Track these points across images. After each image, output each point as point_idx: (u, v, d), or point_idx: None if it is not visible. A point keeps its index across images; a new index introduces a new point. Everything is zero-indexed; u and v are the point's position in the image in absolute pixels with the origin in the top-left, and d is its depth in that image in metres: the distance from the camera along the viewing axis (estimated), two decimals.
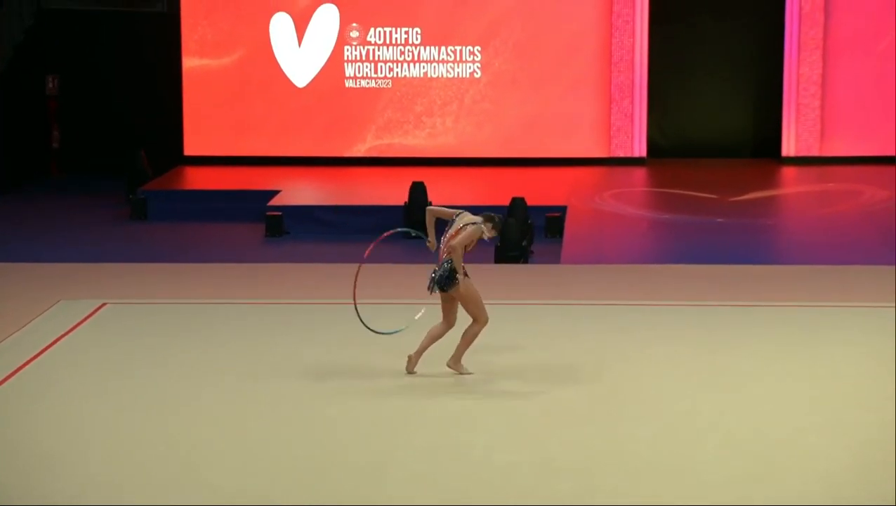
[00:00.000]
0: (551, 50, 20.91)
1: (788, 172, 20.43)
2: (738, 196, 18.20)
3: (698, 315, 11.57)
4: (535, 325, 11.15)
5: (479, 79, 21.04)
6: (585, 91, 20.91)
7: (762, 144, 21.38)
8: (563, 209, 17.08)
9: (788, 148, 20.95)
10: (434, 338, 9.55)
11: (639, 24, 20.78)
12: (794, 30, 20.73)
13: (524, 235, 15.38)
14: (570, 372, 9.67)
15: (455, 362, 9.59)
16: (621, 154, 20.91)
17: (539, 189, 18.19)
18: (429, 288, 9.37)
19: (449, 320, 9.54)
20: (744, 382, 9.39)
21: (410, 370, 9.59)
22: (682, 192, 18.77)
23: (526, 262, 15.01)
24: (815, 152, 20.95)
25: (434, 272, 9.37)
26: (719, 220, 16.86)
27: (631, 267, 14.12)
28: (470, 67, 21.00)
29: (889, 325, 10.79)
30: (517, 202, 16.15)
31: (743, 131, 21.58)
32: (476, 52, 20.96)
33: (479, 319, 9.49)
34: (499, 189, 18.24)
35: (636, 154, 20.91)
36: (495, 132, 20.97)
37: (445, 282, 9.30)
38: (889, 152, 20.81)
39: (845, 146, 20.99)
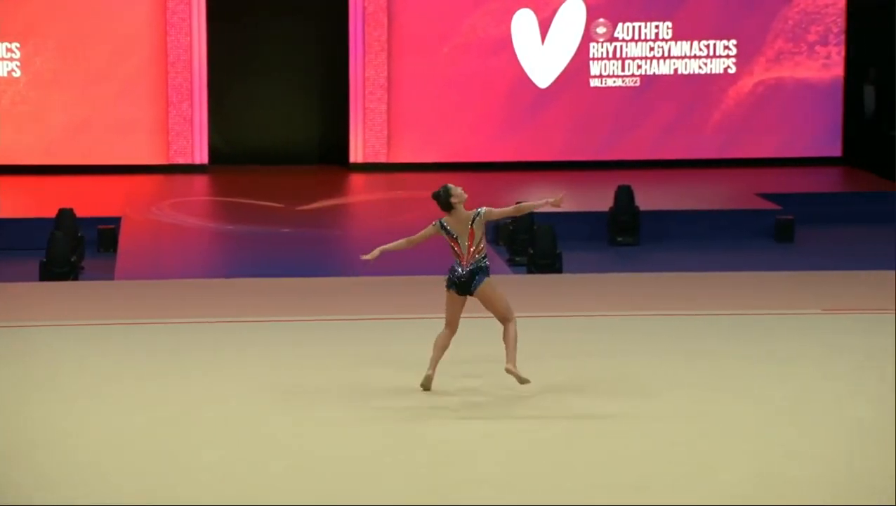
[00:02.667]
0: (100, 48, 19.88)
1: (357, 180, 20.32)
2: (305, 205, 18.00)
3: (263, 330, 10.96)
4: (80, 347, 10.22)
5: (18, 78, 19.73)
6: (140, 93, 20.03)
7: (329, 151, 21.15)
8: (117, 221, 16.48)
9: (356, 154, 20.74)
10: (443, 348, 9.22)
11: (196, 22, 20.09)
12: (359, 31, 20.55)
13: (73, 249, 14.71)
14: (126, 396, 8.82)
15: (514, 366, 9.06)
16: (181, 161, 20.17)
17: (89, 199, 17.48)
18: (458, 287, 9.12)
19: (453, 327, 9.25)
20: (315, 398, 8.82)
21: (429, 387, 9.18)
22: (246, 201, 18.43)
23: (76, 279, 14.26)
24: (382, 159, 20.89)
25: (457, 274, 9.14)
26: (286, 230, 16.62)
27: (192, 282, 13.74)
28: (7, 66, 19.68)
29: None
30: (64, 214, 15.47)
31: (309, 137, 21.32)
32: (14, 50, 19.66)
33: (511, 317, 9.17)
34: (43, 200, 17.35)
35: (197, 161, 20.26)
36: (38, 137, 19.71)
37: (477, 282, 9.09)
38: (454, 159, 21.00)
39: (412, 153, 21.06)
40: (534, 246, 15.15)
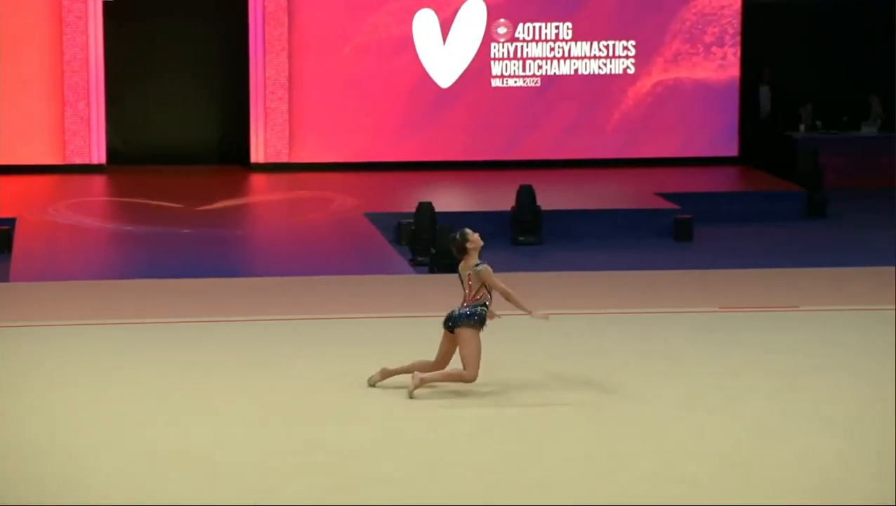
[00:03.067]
0: None
1: (258, 180, 20.20)
2: (205, 205, 17.83)
3: (160, 332, 10.86)
4: None
5: None
6: (35, 92, 19.74)
7: (230, 151, 20.99)
8: (11, 222, 16.17)
9: (257, 154, 20.62)
10: (412, 368, 9.28)
11: (92, 19, 19.85)
12: (259, 30, 20.45)
13: None
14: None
15: (421, 381, 9.19)
16: (78, 161, 19.91)
17: None
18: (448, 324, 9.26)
19: (438, 363, 9.31)
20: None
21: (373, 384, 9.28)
22: (145, 201, 18.22)
23: None
24: (284, 158, 20.80)
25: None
26: (186, 230, 16.45)
27: (90, 284, 13.52)
28: None
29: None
30: None
31: (209, 137, 21.15)
32: None
33: (470, 372, 9.17)
34: None
35: (94, 161, 20.00)
36: None
37: (462, 319, 9.18)
38: (356, 159, 20.97)
39: (314, 153, 20.99)
40: (436, 246, 15.16)
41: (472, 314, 9.25)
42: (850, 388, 8.96)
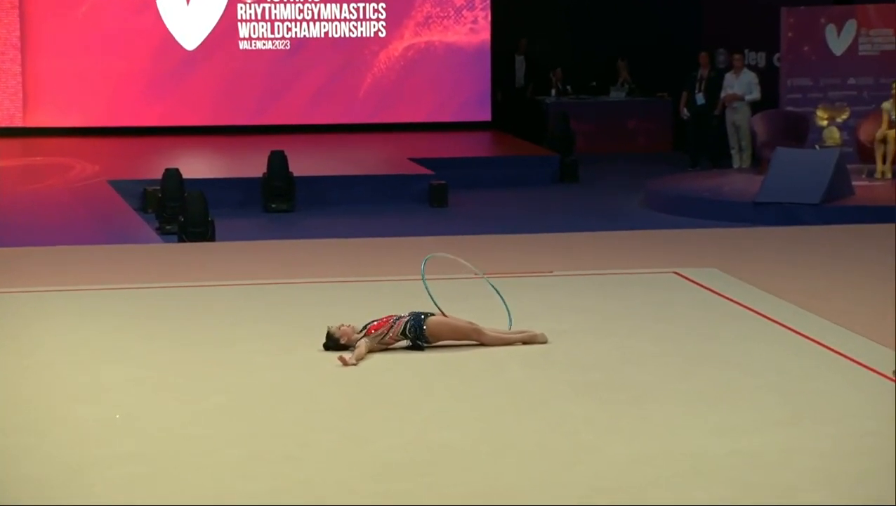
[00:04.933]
0: None
1: None
2: None
3: None
4: None
5: None
6: None
7: None
8: None
9: None
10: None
11: None
12: None
13: None
14: None
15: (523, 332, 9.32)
16: None
17: None
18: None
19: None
20: None
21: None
22: None
23: None
24: (17, 123, 20.22)
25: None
26: None
27: None
28: None
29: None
30: None
31: None
32: None
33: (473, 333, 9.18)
34: None
35: None
36: None
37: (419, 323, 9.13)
38: (97, 123, 20.52)
39: (50, 117, 20.46)
40: (185, 214, 14.91)
41: (418, 317, 9.13)
42: (601, 352, 9.15)
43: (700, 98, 20.65)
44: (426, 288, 9.29)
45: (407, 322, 9.18)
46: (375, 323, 9.22)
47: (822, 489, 6.58)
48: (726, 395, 8.15)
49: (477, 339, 9.25)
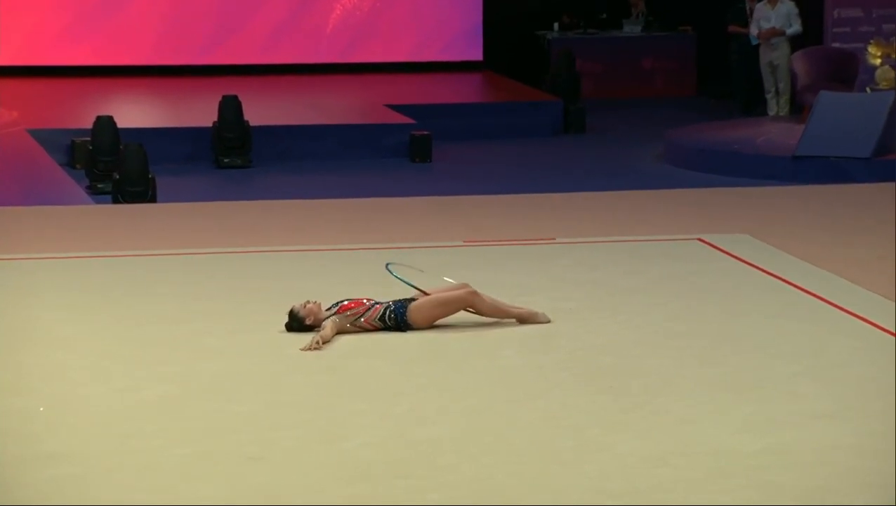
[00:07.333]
0: None
1: None
2: None
3: None
4: None
5: None
6: None
7: None
8: None
9: None
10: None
11: None
12: None
13: None
14: None
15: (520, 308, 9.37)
16: None
17: None
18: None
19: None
20: None
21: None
22: None
23: None
24: None
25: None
26: None
27: None
28: None
29: None
30: None
31: None
32: None
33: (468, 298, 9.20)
34: None
35: None
36: None
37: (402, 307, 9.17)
38: (14, 62, 20.57)
39: None
40: (120, 170, 14.95)
41: (399, 303, 9.20)
42: (611, 333, 9.23)
43: (754, 38, 20.35)
44: (400, 279, 9.31)
45: (386, 308, 9.22)
46: (347, 302, 9.27)
47: (859, 492, 6.66)
48: (756, 383, 8.23)
49: (472, 304, 9.27)
